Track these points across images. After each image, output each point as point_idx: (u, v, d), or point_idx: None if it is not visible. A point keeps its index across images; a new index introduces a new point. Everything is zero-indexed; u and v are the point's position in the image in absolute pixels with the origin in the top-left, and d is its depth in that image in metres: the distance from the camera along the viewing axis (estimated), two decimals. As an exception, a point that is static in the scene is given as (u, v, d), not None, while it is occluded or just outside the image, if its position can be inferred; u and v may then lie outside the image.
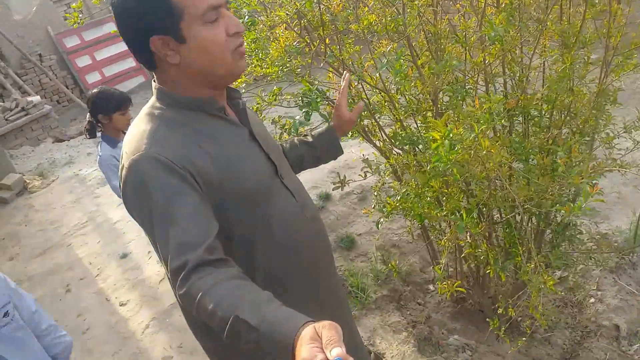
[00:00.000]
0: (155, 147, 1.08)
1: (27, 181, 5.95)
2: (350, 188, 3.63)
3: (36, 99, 7.92)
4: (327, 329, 0.80)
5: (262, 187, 1.22)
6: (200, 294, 0.97)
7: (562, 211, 1.77)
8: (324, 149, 1.54)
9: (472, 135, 1.11)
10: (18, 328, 1.95)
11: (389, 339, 2.50)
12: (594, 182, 1.28)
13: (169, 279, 1.05)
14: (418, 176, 1.62)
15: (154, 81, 1.20)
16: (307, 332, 0.81)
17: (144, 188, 1.06)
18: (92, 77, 9.39)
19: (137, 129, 1.15)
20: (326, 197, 3.67)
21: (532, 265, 1.49)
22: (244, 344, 0.93)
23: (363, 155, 2.16)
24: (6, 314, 1.92)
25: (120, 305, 3.35)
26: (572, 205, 1.33)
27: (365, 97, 2.00)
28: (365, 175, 1.87)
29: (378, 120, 2.06)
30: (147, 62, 1.15)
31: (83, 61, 9.30)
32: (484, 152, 1.17)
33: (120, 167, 1.14)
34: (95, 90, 2.82)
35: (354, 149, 3.82)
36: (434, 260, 2.59)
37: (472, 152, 1.18)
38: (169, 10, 1.05)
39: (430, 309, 2.69)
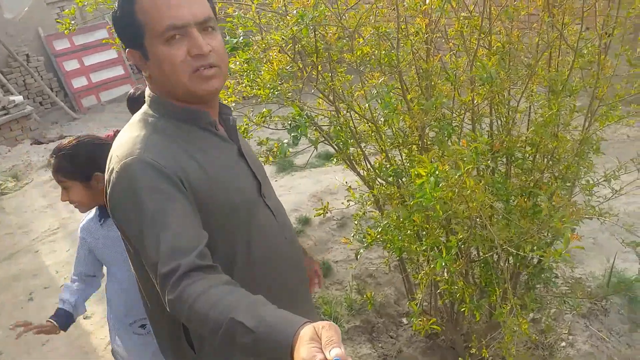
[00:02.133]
0: (148, 152, 1.08)
1: (0, 182, 5.79)
2: (331, 214, 3.60)
3: (18, 98, 7.76)
4: (326, 329, 0.79)
5: (247, 203, 1.22)
6: (192, 298, 0.95)
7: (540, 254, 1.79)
8: None
9: (458, 174, 1.11)
10: (150, 342, 1.88)
11: (359, 371, 2.45)
12: (574, 228, 1.29)
13: (156, 284, 1.03)
14: (400, 209, 1.61)
15: (148, 88, 1.20)
16: (307, 332, 0.81)
17: (135, 192, 1.05)
18: (78, 82, 9.24)
19: (130, 134, 1.15)
20: (306, 222, 3.63)
21: (508, 307, 1.49)
22: (238, 348, 0.91)
23: (346, 183, 2.15)
24: (143, 326, 1.91)
25: (84, 319, 3.23)
26: (550, 248, 1.34)
27: (352, 125, 2.00)
28: (348, 205, 1.86)
29: (364, 149, 2.07)
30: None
31: (71, 65, 9.16)
32: (469, 191, 1.17)
33: (108, 170, 1.13)
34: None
35: (337, 175, 3.82)
36: (409, 293, 2.57)
37: (457, 190, 1.19)
38: (133, 27, 1.09)
39: (402, 342, 2.65)
